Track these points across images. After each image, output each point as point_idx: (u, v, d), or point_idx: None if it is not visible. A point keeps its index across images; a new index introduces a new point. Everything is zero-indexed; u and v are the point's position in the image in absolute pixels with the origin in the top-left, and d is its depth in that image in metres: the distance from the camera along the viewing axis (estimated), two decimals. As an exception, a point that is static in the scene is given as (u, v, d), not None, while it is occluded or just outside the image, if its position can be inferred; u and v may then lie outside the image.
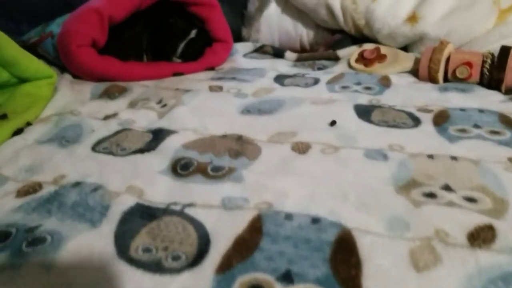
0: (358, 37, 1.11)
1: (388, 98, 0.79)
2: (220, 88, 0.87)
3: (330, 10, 1.08)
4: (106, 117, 0.74)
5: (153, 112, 0.76)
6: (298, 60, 1.11)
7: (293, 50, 1.20)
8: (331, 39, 1.13)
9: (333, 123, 0.69)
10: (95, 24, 0.89)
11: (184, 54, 1.01)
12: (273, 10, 1.17)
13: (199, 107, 0.77)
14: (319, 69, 1.04)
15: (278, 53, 1.14)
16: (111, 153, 0.62)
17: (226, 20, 1.14)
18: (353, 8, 1.04)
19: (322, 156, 0.59)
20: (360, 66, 0.98)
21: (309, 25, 1.17)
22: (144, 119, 0.73)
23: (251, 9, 1.15)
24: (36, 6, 1.17)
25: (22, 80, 0.82)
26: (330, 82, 0.89)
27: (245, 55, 1.16)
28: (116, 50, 1.01)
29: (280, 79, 0.94)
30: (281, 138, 0.65)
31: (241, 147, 0.62)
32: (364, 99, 0.79)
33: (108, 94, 0.85)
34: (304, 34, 1.19)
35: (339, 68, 1.01)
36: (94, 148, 0.64)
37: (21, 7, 1.16)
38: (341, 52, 1.08)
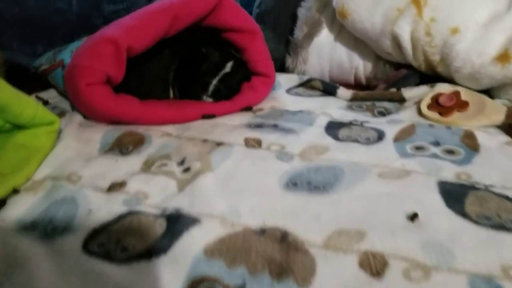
0: (429, 75, 0.91)
1: (480, 172, 0.60)
2: (258, 143, 0.69)
3: (396, 41, 0.88)
4: (111, 188, 0.57)
5: (171, 181, 0.59)
6: (353, 99, 0.92)
7: (346, 84, 1.01)
8: (394, 75, 0.94)
9: (413, 216, 0.50)
10: (110, 57, 0.73)
11: (217, 92, 0.84)
12: (324, 37, 0.98)
13: (230, 176, 0.60)
14: (381, 114, 0.85)
15: (328, 89, 0.95)
16: (107, 255, 0.45)
17: (268, 47, 0.97)
18: (426, 41, 0.84)
19: (407, 287, 0.40)
20: (434, 115, 0.78)
21: (367, 56, 0.98)
22: (159, 192, 0.56)
23: (298, 35, 0.97)
24: (53, 27, 1.03)
25: (18, 126, 0.67)
26: (398, 139, 0.70)
27: (288, 90, 0.98)
28: (137, 83, 0.86)
29: (333, 129, 0.75)
30: (343, 243, 0.46)
31: (286, 257, 0.44)
32: (449, 171, 0.60)
33: (121, 147, 0.69)
34: (360, 66, 0.99)
35: (407, 115, 0.82)
36: (87, 244, 0.47)
37: (36, 27, 1.02)
38: (407, 93, 0.89)
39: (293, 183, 0.58)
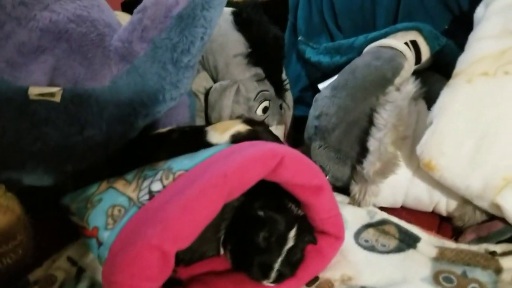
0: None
1: None
2: None
3: (497, 208, 0.72)
4: None
5: None
6: (439, 257, 0.77)
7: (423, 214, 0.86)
8: (487, 227, 0.78)
9: None
10: (155, 269, 0.61)
11: (281, 277, 0.70)
12: (401, 173, 0.82)
13: None
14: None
15: (407, 241, 0.80)
16: None
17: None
18: (541, 217, 0.68)
19: None
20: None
21: (453, 195, 0.82)
22: None
23: (368, 170, 0.82)
24: (83, 151, 0.90)
25: None
26: None
27: (357, 236, 0.83)
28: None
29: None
30: None
31: None
32: None
33: None
34: (442, 202, 0.84)
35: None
36: None
37: (63, 155, 0.89)
38: (506, 261, 0.73)
39: None
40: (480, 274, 0.74)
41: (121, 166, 0.95)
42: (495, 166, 0.70)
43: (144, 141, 1.00)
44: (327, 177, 0.93)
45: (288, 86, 1.09)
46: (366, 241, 0.82)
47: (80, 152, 0.91)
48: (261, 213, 0.73)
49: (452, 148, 0.72)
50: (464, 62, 0.75)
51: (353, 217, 0.86)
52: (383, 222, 0.84)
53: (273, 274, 0.69)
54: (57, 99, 0.79)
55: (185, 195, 0.65)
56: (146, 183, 0.77)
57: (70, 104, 0.83)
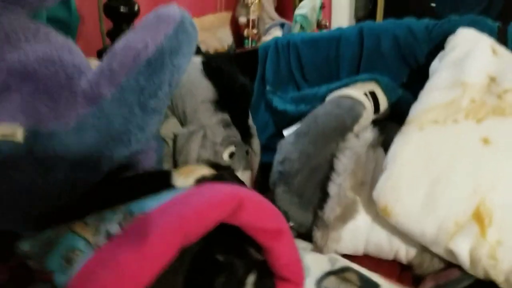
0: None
1: None
2: None
3: (452, 255, 0.74)
4: None
5: None
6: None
7: (384, 262, 0.86)
8: (445, 275, 0.79)
9: None
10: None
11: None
12: (361, 219, 0.84)
13: None
14: None
15: (368, 287, 0.80)
16: None
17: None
18: (490, 264, 0.69)
19: None
20: None
21: (411, 242, 0.83)
22: None
23: (329, 216, 0.83)
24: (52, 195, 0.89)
25: None
26: None
27: (319, 284, 0.83)
28: None
29: None
30: None
31: None
32: None
33: None
34: (402, 249, 0.85)
35: None
36: None
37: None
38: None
39: None
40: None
41: (84, 210, 0.95)
42: (447, 211, 0.72)
43: (108, 184, 0.99)
44: (291, 223, 0.93)
45: (254, 132, 1.12)
46: (328, 289, 0.82)
47: (44, 196, 0.89)
48: (219, 257, 0.72)
49: (406, 193, 0.74)
50: (416, 110, 0.79)
51: (314, 264, 0.86)
52: (344, 269, 0.84)
53: (232, 321, 0.68)
54: (20, 138, 0.78)
55: (140, 238, 0.64)
56: (104, 226, 0.76)
57: (34, 146, 0.82)
